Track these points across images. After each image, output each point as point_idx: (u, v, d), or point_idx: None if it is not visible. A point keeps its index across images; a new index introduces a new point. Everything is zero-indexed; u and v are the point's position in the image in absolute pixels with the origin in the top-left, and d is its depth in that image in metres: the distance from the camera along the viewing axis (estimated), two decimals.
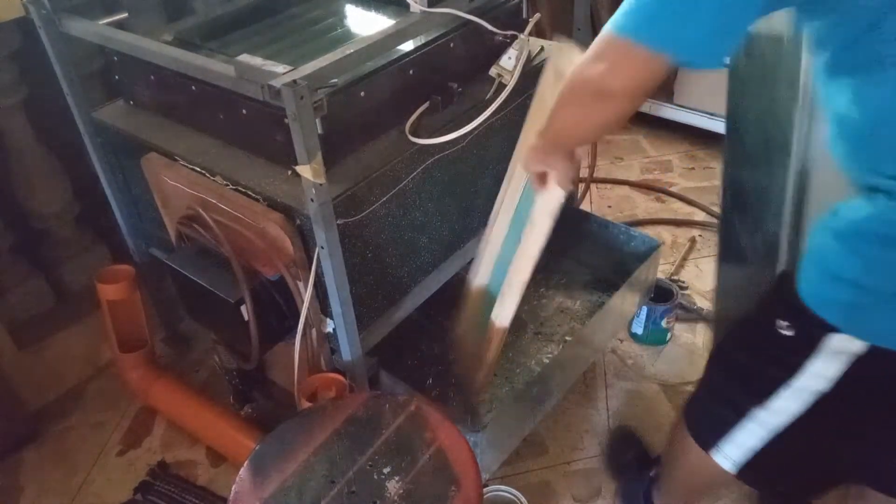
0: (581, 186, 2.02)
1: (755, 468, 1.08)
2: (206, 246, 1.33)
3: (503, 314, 1.24)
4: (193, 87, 1.33)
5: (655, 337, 1.85)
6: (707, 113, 2.48)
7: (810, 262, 0.91)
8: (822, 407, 0.96)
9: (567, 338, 1.58)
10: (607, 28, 0.80)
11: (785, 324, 0.95)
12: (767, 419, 1.02)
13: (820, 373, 0.93)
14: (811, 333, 0.91)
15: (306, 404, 1.29)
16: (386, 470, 1.05)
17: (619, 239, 1.73)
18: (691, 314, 1.92)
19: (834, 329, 0.88)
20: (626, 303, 1.69)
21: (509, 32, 1.44)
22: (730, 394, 1.09)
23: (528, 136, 1.16)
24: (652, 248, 1.68)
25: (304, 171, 1.09)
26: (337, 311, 1.26)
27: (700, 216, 2.30)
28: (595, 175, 2.29)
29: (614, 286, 1.64)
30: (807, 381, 0.95)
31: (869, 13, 0.72)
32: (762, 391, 1.01)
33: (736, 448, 1.08)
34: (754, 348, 1.06)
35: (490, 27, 1.40)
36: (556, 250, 1.67)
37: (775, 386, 0.98)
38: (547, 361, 1.48)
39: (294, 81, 1.02)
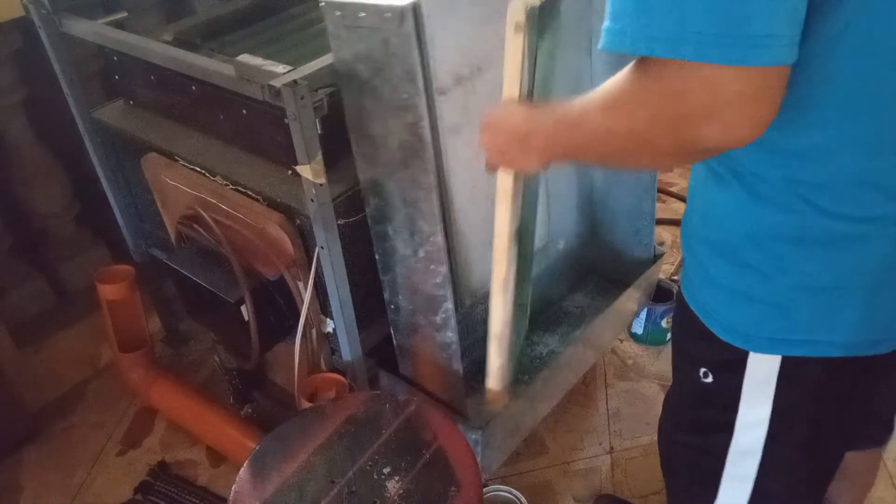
0: None
1: None
2: (206, 246, 1.33)
3: (492, 318, 1.08)
4: (193, 87, 1.33)
5: (655, 337, 1.85)
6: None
7: (703, 286, 0.79)
8: (773, 457, 0.82)
9: (569, 338, 1.58)
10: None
11: (704, 371, 0.82)
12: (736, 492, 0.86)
13: (752, 417, 0.80)
14: (729, 370, 0.79)
15: (306, 404, 1.29)
16: (386, 470, 1.05)
17: (623, 240, 1.73)
18: None
19: (746, 354, 0.76)
20: (629, 305, 1.69)
21: None
22: (686, 488, 0.96)
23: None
24: (657, 256, 1.68)
25: (304, 171, 1.09)
26: (337, 311, 1.26)
27: None
28: None
29: (616, 287, 1.64)
30: (744, 437, 0.81)
31: None
32: (710, 479, 0.87)
33: None
34: (684, 421, 0.93)
35: None
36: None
37: (719, 465, 0.85)
38: (549, 362, 1.48)
39: (294, 81, 1.02)
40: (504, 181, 0.90)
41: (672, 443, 0.99)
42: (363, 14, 0.95)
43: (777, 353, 0.75)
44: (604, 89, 0.63)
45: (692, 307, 0.82)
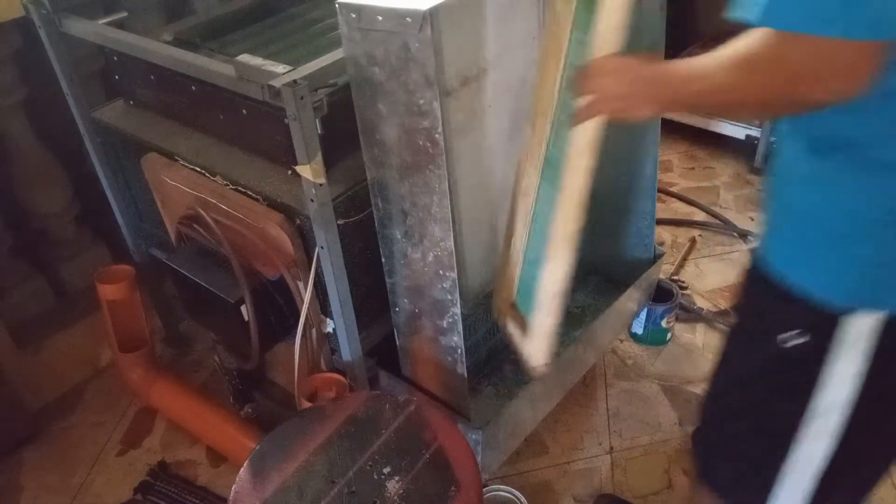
0: None
1: None
2: (206, 246, 1.33)
3: (553, 276, 1.06)
4: (193, 88, 1.33)
5: (655, 337, 1.85)
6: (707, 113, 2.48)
7: (801, 246, 0.84)
8: (859, 417, 0.85)
9: (569, 338, 1.58)
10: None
11: (792, 333, 0.85)
12: (804, 464, 0.90)
13: (843, 376, 0.83)
14: (821, 331, 0.83)
15: (306, 404, 1.29)
16: (386, 470, 1.05)
17: (623, 240, 1.73)
18: (691, 314, 1.92)
19: (846, 312, 0.80)
20: (629, 305, 1.69)
21: None
22: (750, 458, 0.96)
23: (547, 70, 0.99)
24: (657, 256, 1.68)
25: (304, 171, 1.09)
26: (337, 311, 1.26)
27: (700, 216, 2.31)
28: None
29: (616, 287, 1.64)
30: (831, 394, 0.85)
31: None
32: (784, 439, 0.89)
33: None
34: (749, 396, 0.94)
35: None
36: None
37: (794, 425, 0.88)
38: (550, 362, 1.48)
39: (294, 81, 1.02)
40: (590, 134, 0.91)
41: (732, 415, 1.00)
42: (381, 18, 0.94)
43: (880, 310, 0.80)
44: (736, 50, 0.74)
45: (780, 271, 0.86)
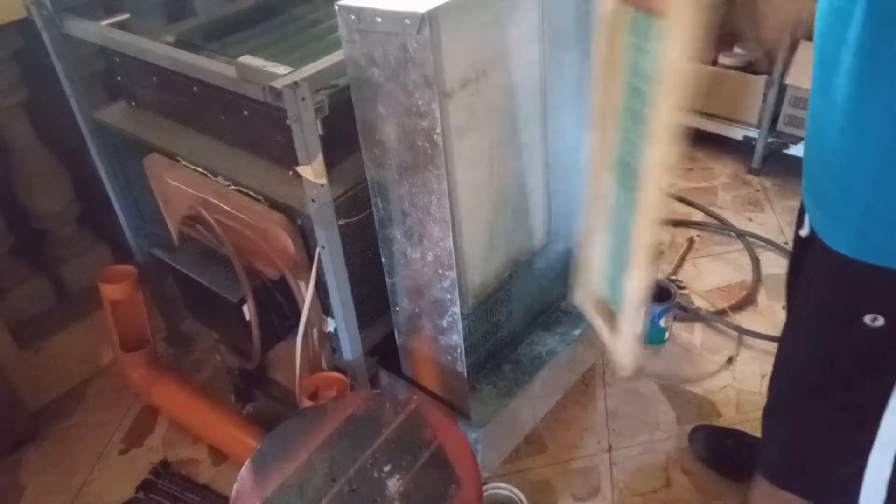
0: None
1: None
2: (208, 246, 1.34)
3: (638, 285, 1.02)
4: (195, 88, 1.33)
5: (653, 336, 1.85)
6: (705, 114, 2.49)
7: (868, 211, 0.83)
8: None
9: (568, 338, 1.59)
10: None
11: (873, 316, 0.86)
12: (891, 438, 0.93)
13: None
14: None
15: (307, 403, 1.30)
16: (386, 468, 1.06)
17: None
18: (689, 314, 1.93)
19: None
20: None
21: None
22: (838, 441, 0.99)
23: (608, 76, 0.98)
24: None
25: (306, 171, 1.09)
26: (338, 310, 1.26)
27: (698, 216, 2.31)
28: None
29: None
30: None
31: None
32: (872, 414, 0.92)
33: (875, 493, 0.98)
34: (836, 374, 0.95)
35: None
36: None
37: (882, 401, 0.90)
38: (549, 361, 1.49)
39: (295, 83, 1.02)
40: (665, 155, 0.89)
41: (812, 400, 1.01)
42: (380, 19, 0.95)
43: None
44: None
45: (847, 252, 0.85)
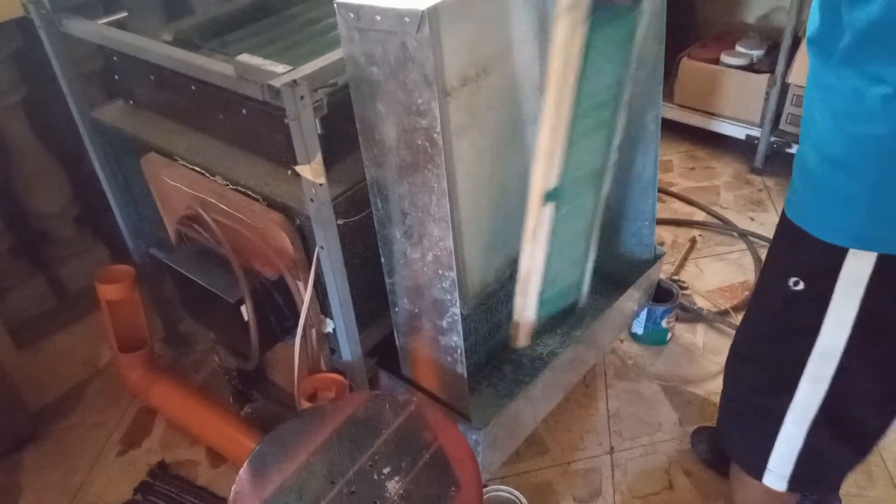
0: None
1: (810, 468, 1.04)
2: (206, 246, 1.33)
3: (524, 257, 1.18)
4: (193, 87, 1.33)
5: (655, 337, 1.85)
6: (707, 113, 2.48)
7: (809, 188, 0.91)
8: (852, 361, 0.93)
9: (569, 339, 1.58)
10: None
11: (796, 279, 0.93)
12: (804, 406, 0.98)
13: (841, 318, 0.91)
14: (825, 272, 0.90)
15: (306, 404, 1.29)
16: (386, 470, 1.05)
17: (623, 240, 1.73)
18: (691, 314, 1.92)
19: (843, 254, 0.88)
20: (629, 305, 1.69)
21: None
22: (759, 401, 1.05)
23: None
24: (657, 256, 1.68)
25: (304, 171, 1.09)
26: (337, 311, 1.26)
27: (700, 216, 2.30)
28: None
29: (616, 287, 1.64)
30: (830, 336, 0.92)
31: None
32: (791, 377, 0.98)
33: (781, 459, 1.03)
34: (767, 333, 1.03)
35: None
36: None
37: (803, 361, 0.96)
38: (549, 362, 1.48)
39: (294, 81, 1.02)
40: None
41: (748, 356, 1.09)
42: (379, 17, 0.94)
43: (875, 251, 0.85)
44: None
45: (792, 217, 0.93)
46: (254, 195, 1.26)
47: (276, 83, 1.02)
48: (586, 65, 1.03)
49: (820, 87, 0.86)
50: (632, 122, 1.47)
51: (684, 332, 1.89)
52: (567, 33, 1.00)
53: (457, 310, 1.16)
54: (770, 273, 1.05)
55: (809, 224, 0.91)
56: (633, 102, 1.45)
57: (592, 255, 1.37)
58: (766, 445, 1.05)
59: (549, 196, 1.12)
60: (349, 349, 1.31)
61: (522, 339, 1.32)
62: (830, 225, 0.88)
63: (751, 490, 1.14)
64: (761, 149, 2.39)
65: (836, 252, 0.88)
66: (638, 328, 1.84)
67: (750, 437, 1.10)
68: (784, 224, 0.97)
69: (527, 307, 1.26)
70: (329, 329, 1.33)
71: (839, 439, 1.02)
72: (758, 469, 1.08)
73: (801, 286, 0.93)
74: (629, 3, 1.05)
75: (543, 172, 1.09)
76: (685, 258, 2.13)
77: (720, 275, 2.06)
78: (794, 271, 0.94)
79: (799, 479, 1.06)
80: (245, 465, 1.07)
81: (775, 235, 1.04)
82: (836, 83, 0.83)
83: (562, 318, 1.45)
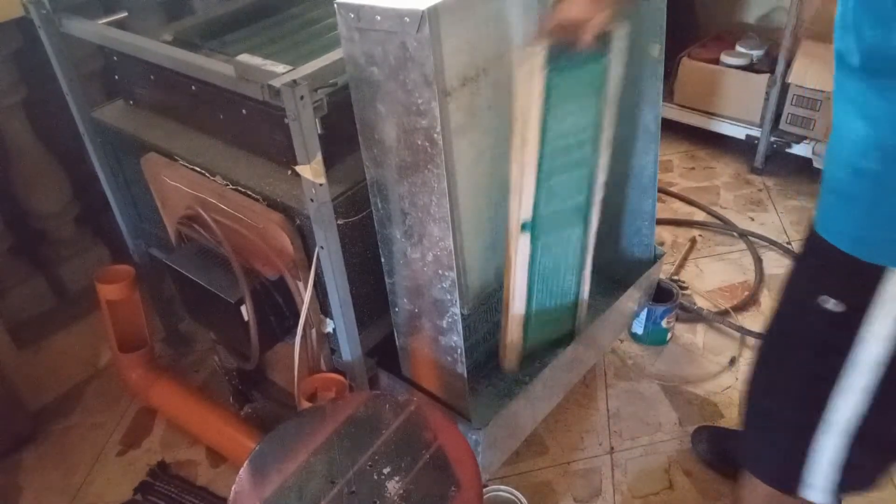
0: None
1: (852, 477, 1.00)
2: (206, 246, 1.33)
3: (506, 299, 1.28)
4: (193, 87, 1.33)
5: (655, 337, 1.85)
6: (707, 113, 2.48)
7: (840, 205, 0.87)
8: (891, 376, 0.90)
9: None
10: None
11: (826, 298, 0.90)
12: (839, 420, 0.95)
13: (879, 334, 0.88)
14: (861, 291, 0.87)
15: (306, 404, 1.29)
16: (386, 470, 1.05)
17: (623, 240, 1.73)
18: (691, 314, 1.92)
19: (882, 272, 0.85)
20: (629, 305, 1.69)
21: None
22: (787, 417, 1.02)
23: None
24: (657, 256, 1.68)
25: (304, 171, 1.09)
26: (337, 311, 1.26)
27: (700, 216, 2.30)
28: None
29: (616, 287, 1.64)
30: (866, 352, 0.90)
31: None
32: (821, 393, 0.95)
33: (821, 474, 1.00)
34: (795, 349, 1.00)
35: None
36: None
37: (834, 377, 0.93)
38: (549, 362, 1.48)
39: (294, 81, 1.02)
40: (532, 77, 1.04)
41: (775, 372, 1.05)
42: (379, 17, 0.94)
43: None
44: None
45: (825, 236, 0.89)
46: (254, 195, 1.26)
47: (276, 83, 1.02)
48: (550, 106, 1.08)
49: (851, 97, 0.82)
50: (632, 122, 1.47)
51: (684, 332, 1.89)
52: (526, 78, 1.05)
53: (457, 310, 1.16)
54: (797, 290, 1.00)
55: (844, 242, 0.87)
56: (634, 103, 1.45)
57: (585, 288, 1.40)
58: (800, 460, 1.00)
59: (525, 226, 1.18)
60: (349, 349, 1.31)
61: (509, 363, 1.38)
62: (868, 243, 0.85)
63: (759, 494, 1.11)
64: (761, 149, 2.39)
65: (874, 269, 0.84)
66: (638, 328, 1.84)
67: (782, 453, 1.05)
68: (813, 240, 0.92)
69: (512, 332, 1.31)
70: (329, 329, 1.33)
71: (881, 450, 0.99)
72: (792, 484, 1.03)
73: (834, 305, 0.89)
74: (595, 51, 1.07)
75: (514, 207, 1.16)
76: (685, 258, 2.13)
77: (720, 275, 2.06)
78: (827, 290, 0.90)
79: (843, 488, 1.02)
80: (245, 465, 1.07)
81: (803, 251, 1.00)
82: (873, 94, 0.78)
83: (556, 346, 1.47)
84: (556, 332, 1.45)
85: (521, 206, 1.16)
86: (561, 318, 1.43)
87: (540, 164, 1.13)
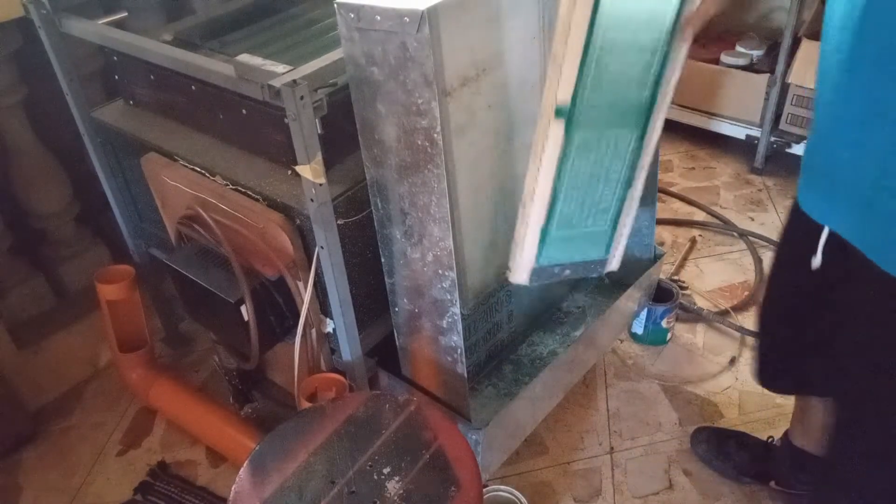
0: None
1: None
2: (206, 246, 1.33)
3: (527, 182, 1.04)
4: (193, 87, 1.33)
5: (655, 337, 1.85)
6: (707, 113, 2.48)
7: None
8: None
9: (569, 339, 1.58)
10: None
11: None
12: None
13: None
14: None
15: (306, 404, 1.29)
16: (386, 470, 1.05)
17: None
18: (691, 314, 1.92)
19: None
20: (629, 305, 1.69)
21: None
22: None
23: (556, 77, 0.94)
24: (657, 256, 1.68)
25: (304, 171, 1.09)
26: (337, 311, 1.26)
27: (700, 216, 2.30)
28: None
29: (616, 287, 1.64)
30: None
31: None
32: None
33: None
34: None
35: None
36: None
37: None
38: (549, 362, 1.48)
39: (294, 81, 1.02)
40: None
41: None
42: (379, 17, 0.94)
43: None
44: None
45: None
46: (254, 195, 1.26)
47: (276, 83, 1.02)
48: None
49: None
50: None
51: (684, 332, 1.89)
52: None
53: (457, 310, 1.16)
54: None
55: None
56: None
57: (630, 213, 1.14)
58: None
59: (559, 112, 0.96)
60: (349, 349, 1.31)
61: (518, 274, 1.13)
62: None
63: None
64: (761, 149, 2.39)
65: None
66: (638, 328, 1.84)
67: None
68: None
69: (527, 236, 1.08)
70: (329, 329, 1.33)
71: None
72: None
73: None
74: None
75: (552, 83, 0.94)
76: (685, 258, 2.13)
77: (720, 275, 2.06)
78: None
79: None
80: (245, 465, 1.07)
81: (872, 310, 0.96)
82: None
83: (583, 279, 1.29)
84: (582, 254, 1.18)
85: (560, 85, 0.94)
86: (593, 240, 1.17)
87: (591, 30, 0.90)
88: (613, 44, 0.92)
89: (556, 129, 0.97)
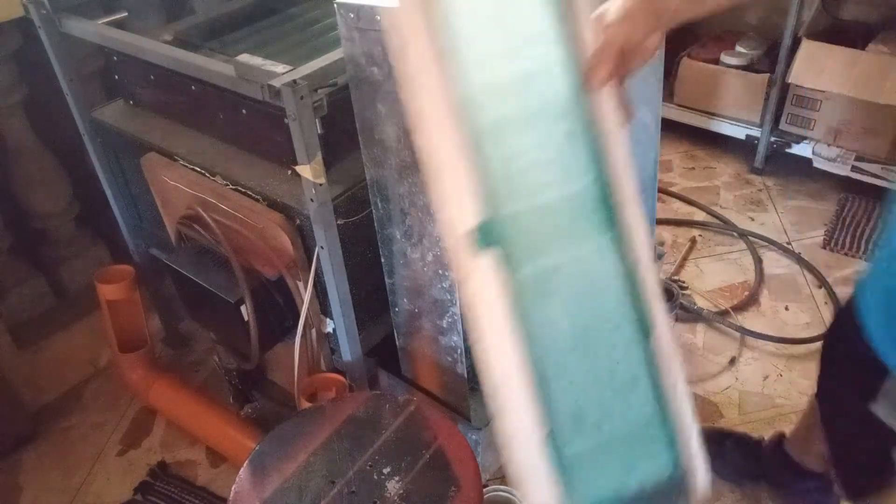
0: None
1: None
2: (206, 246, 1.33)
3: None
4: (193, 87, 1.33)
5: None
6: (707, 113, 2.48)
7: None
8: None
9: None
10: None
11: None
12: None
13: None
14: None
15: (306, 404, 1.29)
16: (386, 470, 1.05)
17: None
18: (691, 314, 1.92)
19: None
20: None
21: None
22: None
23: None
24: (657, 256, 1.68)
25: (304, 171, 1.09)
26: (337, 311, 1.26)
27: (700, 216, 2.30)
28: None
29: None
30: None
31: None
32: None
33: None
34: None
35: None
36: None
37: None
38: None
39: (294, 81, 1.02)
40: None
41: None
42: (379, 17, 0.94)
43: None
44: None
45: None
46: (254, 195, 1.26)
47: (276, 83, 1.02)
48: None
49: None
50: (631, 121, 1.47)
51: (684, 332, 1.89)
52: None
53: (457, 310, 1.16)
54: None
55: None
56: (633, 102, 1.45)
57: (678, 379, 0.71)
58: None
59: (481, 239, 0.62)
60: (349, 349, 1.31)
61: None
62: None
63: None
64: (761, 149, 2.39)
65: None
66: None
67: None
68: None
69: (529, 467, 0.64)
70: (329, 329, 1.33)
71: None
72: None
73: None
74: None
75: (448, 209, 0.62)
76: (685, 258, 2.13)
77: (720, 275, 2.06)
78: None
79: None
80: (245, 465, 1.07)
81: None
82: None
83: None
84: (640, 476, 0.71)
85: (456, 204, 0.62)
86: (643, 445, 0.72)
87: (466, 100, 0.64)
88: (502, 121, 0.64)
89: (486, 270, 0.62)
